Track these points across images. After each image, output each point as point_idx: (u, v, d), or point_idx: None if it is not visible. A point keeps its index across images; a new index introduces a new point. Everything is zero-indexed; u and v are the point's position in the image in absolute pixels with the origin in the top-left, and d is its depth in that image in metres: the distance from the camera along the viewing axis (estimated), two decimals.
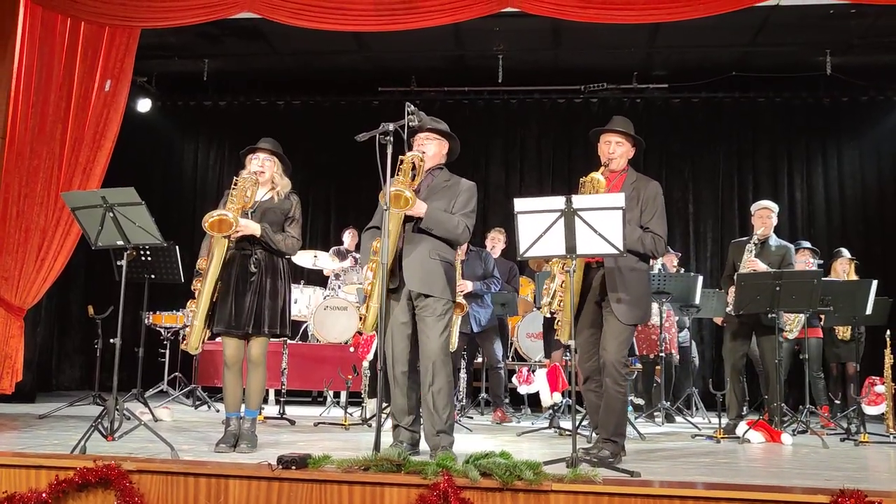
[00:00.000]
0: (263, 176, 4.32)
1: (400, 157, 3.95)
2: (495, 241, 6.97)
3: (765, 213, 5.85)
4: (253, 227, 4.16)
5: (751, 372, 6.61)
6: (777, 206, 5.99)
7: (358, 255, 8.29)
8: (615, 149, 4.12)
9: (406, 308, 3.97)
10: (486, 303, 6.40)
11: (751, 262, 5.65)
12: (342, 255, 8.34)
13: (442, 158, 4.18)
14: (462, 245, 4.36)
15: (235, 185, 4.20)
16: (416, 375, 3.99)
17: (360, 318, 4.01)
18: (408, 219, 3.92)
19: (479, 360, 7.11)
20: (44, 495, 3.11)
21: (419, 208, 3.86)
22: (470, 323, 6.23)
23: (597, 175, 4.04)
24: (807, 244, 7.05)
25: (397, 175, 3.92)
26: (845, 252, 7.02)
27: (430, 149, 4.09)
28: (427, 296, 3.91)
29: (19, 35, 6.32)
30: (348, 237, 8.54)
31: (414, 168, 3.97)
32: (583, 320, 4.09)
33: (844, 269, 6.88)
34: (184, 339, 4.33)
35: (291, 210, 4.37)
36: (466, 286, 6.04)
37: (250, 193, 4.24)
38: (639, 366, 6.92)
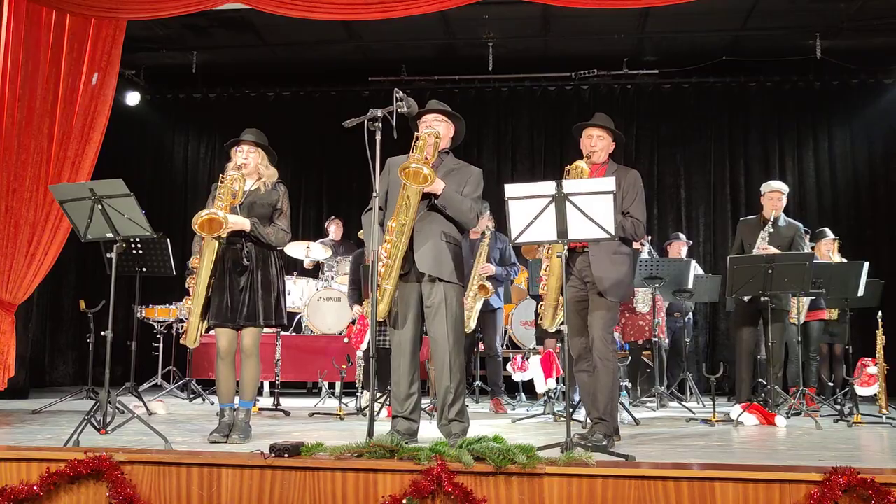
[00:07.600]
0: (248, 167, 4.29)
1: (416, 134, 3.94)
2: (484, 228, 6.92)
3: (776, 196, 5.85)
4: (241, 223, 4.16)
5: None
6: (787, 187, 5.99)
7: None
8: (597, 142, 4.33)
9: (416, 293, 3.94)
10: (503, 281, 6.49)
11: (765, 249, 5.65)
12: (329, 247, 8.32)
13: (449, 142, 4.17)
14: (471, 229, 4.40)
15: (222, 182, 4.19)
16: (419, 363, 3.97)
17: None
18: (422, 197, 3.87)
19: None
20: (35, 488, 3.10)
21: (437, 185, 3.84)
22: (490, 300, 6.26)
23: (581, 163, 4.21)
24: (829, 234, 6.94)
25: (413, 153, 3.89)
26: (829, 232, 6.97)
27: (440, 130, 4.06)
28: (439, 280, 3.88)
29: (4, 27, 6.24)
30: (333, 228, 8.51)
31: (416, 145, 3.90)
32: (569, 303, 4.15)
33: (829, 248, 6.88)
34: (182, 334, 4.35)
35: (279, 202, 4.34)
36: (490, 269, 6.15)
37: (238, 187, 4.21)
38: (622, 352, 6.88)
